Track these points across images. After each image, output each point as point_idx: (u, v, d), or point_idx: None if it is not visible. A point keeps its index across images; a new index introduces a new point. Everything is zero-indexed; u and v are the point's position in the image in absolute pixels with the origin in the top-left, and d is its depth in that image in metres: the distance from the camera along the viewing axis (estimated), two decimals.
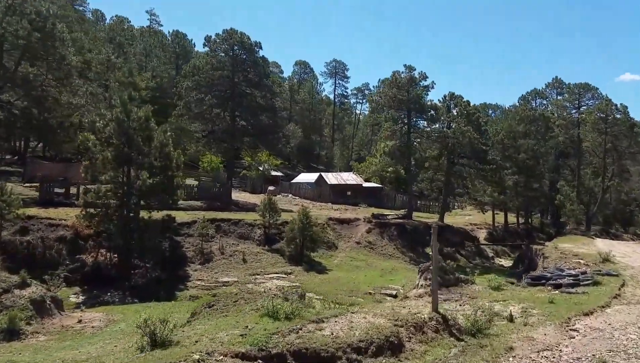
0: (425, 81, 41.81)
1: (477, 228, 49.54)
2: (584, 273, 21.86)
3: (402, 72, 41.58)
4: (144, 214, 23.95)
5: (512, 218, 56.91)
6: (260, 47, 38.67)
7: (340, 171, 64.59)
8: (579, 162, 57.52)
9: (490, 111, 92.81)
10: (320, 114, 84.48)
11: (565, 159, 59.35)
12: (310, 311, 11.01)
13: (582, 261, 27.33)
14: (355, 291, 24.73)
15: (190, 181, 43.76)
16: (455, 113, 42.27)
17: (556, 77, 66.27)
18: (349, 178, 53.65)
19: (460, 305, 16.83)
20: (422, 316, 12.11)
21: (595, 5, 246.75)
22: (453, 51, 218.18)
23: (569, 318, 13.89)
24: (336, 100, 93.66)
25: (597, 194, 56.53)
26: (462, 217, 58.79)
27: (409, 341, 10.81)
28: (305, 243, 29.80)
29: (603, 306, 15.77)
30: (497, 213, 55.16)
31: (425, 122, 43.68)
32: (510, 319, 13.61)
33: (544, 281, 20.93)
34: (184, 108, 39.19)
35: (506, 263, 41.01)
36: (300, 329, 8.92)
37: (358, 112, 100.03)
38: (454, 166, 43.21)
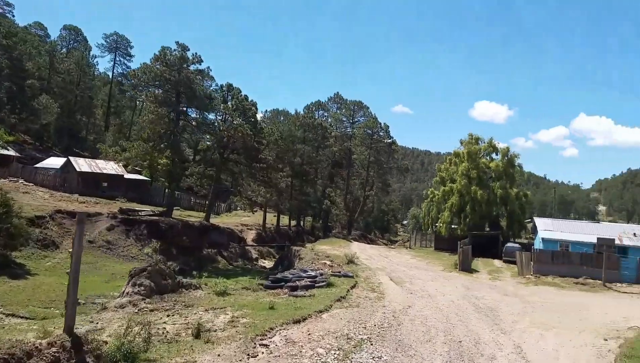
0: (200, 65, 37.75)
1: (248, 229, 47.77)
2: (322, 274, 21.22)
3: (174, 50, 36.59)
4: None
5: (286, 220, 57.74)
6: None
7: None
8: (348, 172, 62.30)
9: (281, 118, 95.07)
10: (92, 92, 71.40)
11: (339, 169, 63.51)
12: None
13: (329, 263, 27.35)
14: (58, 301, 19.85)
15: None
16: (231, 106, 39.38)
17: (337, 92, 70.47)
18: (107, 166, 45.10)
19: (168, 316, 13.62)
20: (38, 342, 7.74)
21: (383, 42, 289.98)
22: (255, 52, 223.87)
23: (270, 329, 11.60)
24: (115, 79, 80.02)
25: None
26: (239, 218, 56.89)
27: None
28: (3, 239, 22.28)
29: (321, 311, 14.44)
30: (275, 215, 55.14)
31: (198, 111, 39.47)
32: (197, 335, 10.52)
33: (282, 283, 19.55)
34: None
35: (269, 264, 39.92)
36: None
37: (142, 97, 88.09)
38: (227, 161, 40.22)
